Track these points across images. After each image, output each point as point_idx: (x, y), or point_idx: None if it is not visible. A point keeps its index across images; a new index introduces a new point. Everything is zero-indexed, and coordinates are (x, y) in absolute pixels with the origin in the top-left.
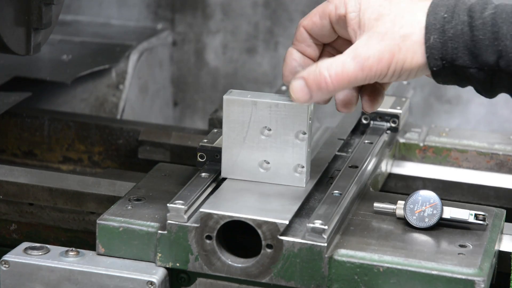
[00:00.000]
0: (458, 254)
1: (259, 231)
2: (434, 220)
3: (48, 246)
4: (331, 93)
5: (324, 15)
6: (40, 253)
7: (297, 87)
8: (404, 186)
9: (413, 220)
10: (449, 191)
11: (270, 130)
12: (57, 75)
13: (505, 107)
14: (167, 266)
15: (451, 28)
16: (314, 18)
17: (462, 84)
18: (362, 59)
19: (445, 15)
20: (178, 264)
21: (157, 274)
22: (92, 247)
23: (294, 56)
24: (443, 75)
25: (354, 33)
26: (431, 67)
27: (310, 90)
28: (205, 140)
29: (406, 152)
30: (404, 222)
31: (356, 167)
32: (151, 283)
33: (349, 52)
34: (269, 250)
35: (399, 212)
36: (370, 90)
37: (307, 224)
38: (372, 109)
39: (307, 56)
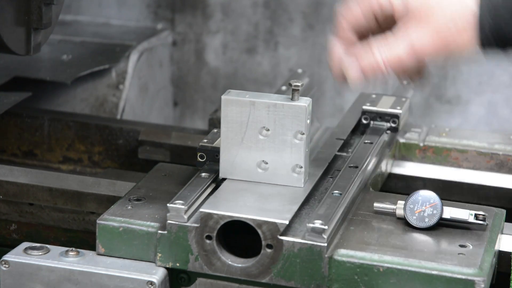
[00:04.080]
0: (458, 254)
1: (259, 231)
2: (434, 220)
3: (48, 246)
4: (384, 77)
5: (367, 9)
6: (40, 253)
7: (353, 74)
8: (404, 186)
9: (413, 220)
10: (449, 191)
11: (268, 130)
12: (57, 75)
13: (505, 107)
14: (167, 266)
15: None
16: (356, 12)
17: (508, 49)
18: (418, 46)
19: None
20: (178, 264)
21: (157, 274)
22: (92, 247)
23: (338, 48)
24: (493, 45)
25: (402, 20)
26: (482, 38)
27: (366, 76)
28: (205, 140)
29: (406, 152)
30: (404, 222)
31: (356, 167)
32: (151, 283)
33: (403, 40)
34: (269, 250)
35: (399, 212)
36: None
37: (307, 224)
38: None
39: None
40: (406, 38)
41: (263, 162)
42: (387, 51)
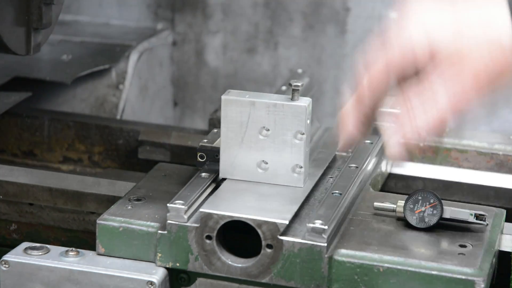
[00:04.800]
0: (458, 254)
1: (259, 231)
2: (434, 220)
3: (48, 246)
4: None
5: (389, 68)
6: (40, 253)
7: (400, 156)
8: (404, 186)
9: (413, 220)
10: (449, 191)
11: (268, 130)
12: (57, 75)
13: (505, 107)
14: (167, 266)
15: None
16: (378, 73)
17: None
18: (459, 98)
19: None
20: (178, 264)
21: (157, 274)
22: (92, 247)
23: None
24: None
25: (431, 70)
26: None
27: (407, 146)
28: (205, 140)
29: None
30: (404, 222)
31: (356, 167)
32: (151, 283)
33: (442, 97)
34: (269, 250)
35: (399, 212)
36: None
37: (307, 224)
38: None
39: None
40: (445, 93)
41: (263, 162)
42: (429, 112)
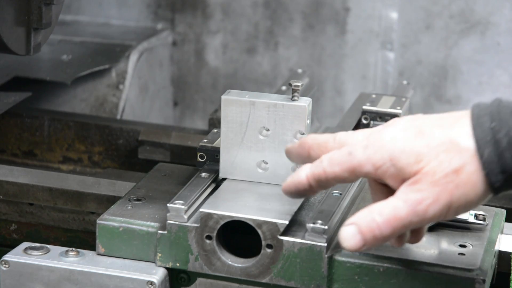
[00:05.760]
0: (458, 254)
1: (259, 231)
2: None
3: (48, 246)
4: (386, 239)
5: (348, 170)
6: (40, 253)
7: (348, 234)
8: None
9: None
10: None
11: (268, 130)
12: (57, 75)
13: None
14: (167, 266)
15: (503, 137)
16: (336, 169)
17: None
18: (415, 202)
19: (493, 125)
20: (178, 264)
21: (157, 274)
22: (92, 247)
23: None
24: (505, 188)
25: (396, 181)
26: (493, 184)
27: (364, 237)
28: (205, 140)
29: None
30: None
31: None
32: (151, 283)
33: (400, 195)
34: (269, 250)
35: None
36: None
37: (307, 224)
38: (417, 241)
39: None
40: (406, 195)
41: (263, 162)
42: (387, 211)
